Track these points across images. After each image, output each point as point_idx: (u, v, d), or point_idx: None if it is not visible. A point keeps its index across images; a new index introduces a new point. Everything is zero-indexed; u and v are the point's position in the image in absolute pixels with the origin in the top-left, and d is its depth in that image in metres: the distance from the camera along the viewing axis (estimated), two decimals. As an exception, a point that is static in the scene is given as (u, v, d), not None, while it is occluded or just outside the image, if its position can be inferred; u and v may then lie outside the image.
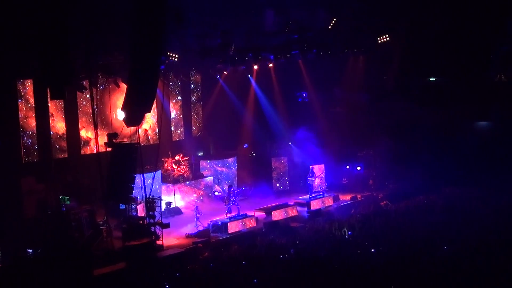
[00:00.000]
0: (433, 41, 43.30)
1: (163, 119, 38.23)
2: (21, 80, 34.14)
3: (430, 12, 42.58)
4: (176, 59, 36.77)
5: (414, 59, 44.35)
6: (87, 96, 36.40)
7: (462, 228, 32.34)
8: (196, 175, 41.18)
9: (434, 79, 46.21)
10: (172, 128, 42.67)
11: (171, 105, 42.51)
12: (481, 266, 26.55)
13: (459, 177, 40.81)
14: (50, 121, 35.48)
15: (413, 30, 43.49)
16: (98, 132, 35.19)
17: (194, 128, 44.28)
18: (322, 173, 41.38)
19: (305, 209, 38.26)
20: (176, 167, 39.89)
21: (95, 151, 35.12)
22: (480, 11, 41.46)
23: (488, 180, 39.95)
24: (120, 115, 33.40)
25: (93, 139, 36.41)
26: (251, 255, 30.16)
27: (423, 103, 44.81)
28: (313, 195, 39.55)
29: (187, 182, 40.09)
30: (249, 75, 44.70)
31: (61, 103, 35.78)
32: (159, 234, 31.25)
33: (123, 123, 30.35)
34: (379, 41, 42.71)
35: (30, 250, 29.34)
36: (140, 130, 36.21)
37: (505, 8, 41.65)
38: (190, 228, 34.26)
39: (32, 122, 34.57)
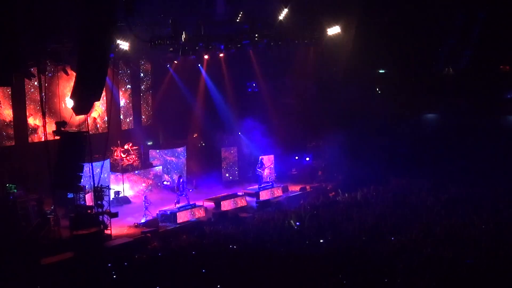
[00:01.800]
0: (382, 33, 43.48)
1: (112, 107, 38.08)
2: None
3: (379, 4, 42.81)
4: (126, 48, 36.48)
5: (363, 51, 44.47)
6: (35, 83, 35.96)
7: (409, 219, 32.64)
8: (145, 164, 41.00)
9: (383, 71, 46.48)
10: (121, 117, 42.39)
11: (121, 93, 42.22)
12: (428, 256, 26.81)
13: (408, 169, 41.14)
14: (-3, 108, 35.08)
15: (362, 22, 43.64)
16: (46, 120, 34.84)
17: (143, 117, 44.06)
18: (271, 164, 41.52)
19: (254, 199, 38.34)
20: (125, 156, 39.65)
21: (43, 139, 34.75)
22: (429, 4, 41.78)
23: (436, 172, 40.34)
24: (69, 103, 33.11)
25: (41, 127, 36.03)
26: (199, 245, 30.13)
27: (372, 95, 45.09)
28: (262, 185, 39.66)
29: (136, 171, 39.91)
30: (199, 65, 44.55)
31: (8, 90, 35.33)
32: (107, 223, 31.09)
33: (72, 111, 30.03)
34: (329, 32, 42.78)
35: (-24, 239, 28.98)
36: (89, 119, 35.96)
37: (454, 1, 42.04)
38: (138, 218, 34.08)
39: (-21, 109, 34.14)
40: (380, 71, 46.70)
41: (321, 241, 29.85)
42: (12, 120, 35.90)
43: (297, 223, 33.22)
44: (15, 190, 32.20)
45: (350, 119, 44.30)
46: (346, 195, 38.84)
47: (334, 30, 41.84)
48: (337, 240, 29.87)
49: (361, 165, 40.96)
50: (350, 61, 44.87)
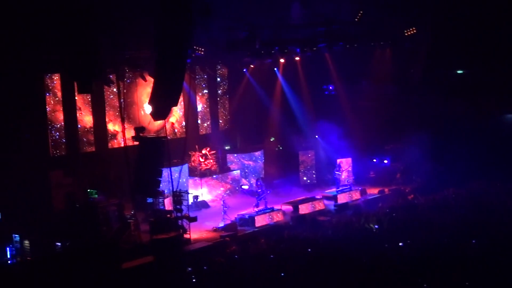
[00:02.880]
0: (461, 32, 42.90)
1: (190, 112, 38.34)
2: (49, 74, 34.37)
3: (457, 3, 42.24)
4: (202, 53, 36.76)
5: (441, 51, 43.96)
6: (114, 89, 36.50)
7: (490, 222, 32.06)
8: (223, 168, 41.17)
9: (461, 71, 45.82)
10: (199, 122, 42.69)
11: (198, 98, 42.54)
12: (509, 262, 26.31)
13: (488, 171, 40.39)
14: (77, 115, 35.65)
15: (440, 21, 43.15)
16: (125, 125, 35.33)
17: (220, 121, 44.28)
18: (349, 167, 41.34)
19: (332, 202, 38.14)
20: (203, 161, 39.88)
21: (122, 145, 35.25)
22: (509, 1, 41.05)
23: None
24: (147, 108, 33.47)
25: (120, 132, 36.51)
26: (278, 248, 30.08)
27: (451, 95, 44.45)
28: (340, 188, 39.40)
29: (214, 176, 40.09)
30: (275, 68, 44.56)
31: (88, 97, 35.94)
32: (187, 227, 31.25)
33: (150, 116, 30.35)
34: (406, 34, 42.42)
35: (59, 244, 29.42)
36: (167, 124, 36.29)
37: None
38: (217, 222, 34.21)
39: (60, 116, 34.77)
40: (459, 72, 46.01)
41: (401, 244, 29.52)
42: (92, 126, 36.50)
43: (376, 226, 32.96)
44: (96, 195, 32.70)
45: (428, 120, 43.80)
46: (425, 197, 38.34)
47: (410, 31, 41.42)
48: (418, 243, 29.50)
49: (440, 167, 40.45)
50: (428, 62, 44.39)
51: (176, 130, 40.83)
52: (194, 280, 26.69)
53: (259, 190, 35.58)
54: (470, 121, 43.81)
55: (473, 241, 29.28)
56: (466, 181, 40.04)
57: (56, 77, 34.56)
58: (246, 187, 40.62)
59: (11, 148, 32.18)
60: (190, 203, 34.73)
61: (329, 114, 44.26)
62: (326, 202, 37.96)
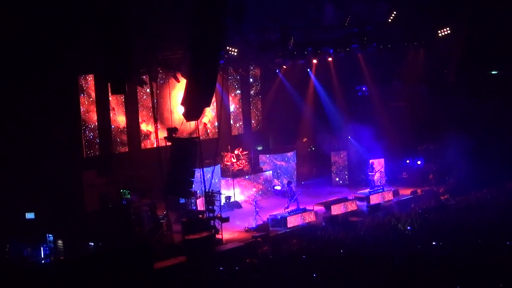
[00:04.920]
0: (495, 32, 42.59)
1: (223, 113, 38.31)
2: (83, 75, 34.56)
3: (491, 2, 41.94)
4: (235, 54, 36.78)
5: (475, 52, 43.66)
6: (147, 90, 36.64)
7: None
8: (255, 169, 41.14)
9: (496, 72, 45.47)
10: (231, 122, 42.72)
11: (230, 99, 42.58)
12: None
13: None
14: (111, 115, 35.83)
15: (474, 22, 42.87)
16: (158, 126, 35.45)
17: (253, 122, 44.28)
18: (381, 168, 41.15)
19: (365, 203, 37.99)
20: (235, 161, 39.89)
21: (155, 145, 35.37)
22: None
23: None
24: (180, 109, 33.56)
25: (153, 133, 36.65)
26: (310, 249, 30.04)
27: (485, 96, 44.11)
28: (373, 189, 39.26)
29: (247, 176, 40.06)
30: (308, 69, 44.49)
31: (121, 97, 36.09)
32: (219, 228, 31.31)
33: (183, 117, 30.44)
34: (440, 34, 42.19)
35: (92, 244, 29.60)
36: (199, 125, 36.33)
37: None
38: (249, 222, 34.23)
39: (94, 116, 34.98)
40: (493, 72, 45.66)
41: (434, 243, 29.34)
42: (125, 126, 36.67)
43: (409, 228, 32.80)
44: (129, 196, 32.79)
45: (462, 121, 43.53)
46: (459, 199, 38.12)
47: (444, 31, 41.17)
48: (450, 245, 29.32)
49: (474, 168, 40.14)
50: (462, 62, 44.11)
51: (208, 131, 40.90)
52: (226, 281, 26.71)
53: (291, 193, 35.58)
54: (504, 122, 43.47)
55: (508, 242, 29.07)
56: (500, 182, 39.78)
57: (90, 78, 34.76)
58: (278, 187, 40.58)
59: (46, 149, 32.43)
60: (222, 203, 34.78)
61: (362, 115, 44.18)
62: (358, 202, 37.80)
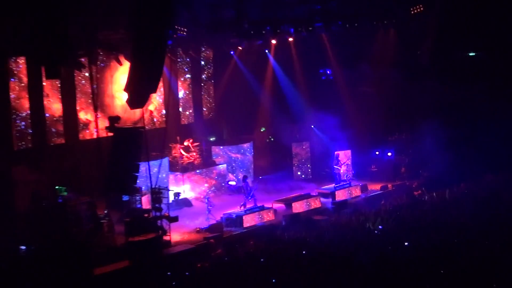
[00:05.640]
0: (473, 10, 42.90)
1: (170, 99, 38.34)
2: (14, 58, 34.19)
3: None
4: (184, 33, 36.76)
5: (451, 32, 43.98)
6: (86, 74, 36.40)
7: (507, 222, 32.16)
8: (207, 162, 41.20)
9: (474, 53, 45.88)
10: (180, 110, 42.65)
11: (179, 84, 42.49)
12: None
13: (503, 164, 40.51)
14: (45, 102, 35.53)
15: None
16: (98, 114, 35.31)
17: (205, 109, 44.27)
18: (348, 160, 41.38)
19: (330, 200, 38.27)
20: (185, 154, 39.90)
21: (95, 136, 35.22)
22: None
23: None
24: (123, 96, 33.46)
25: (93, 122, 36.49)
26: (269, 251, 30.13)
27: (462, 81, 44.45)
28: (338, 184, 39.49)
29: (198, 171, 40.10)
30: (266, 51, 44.59)
31: (57, 83, 35.79)
32: (166, 228, 31.27)
33: (126, 104, 30.35)
34: (412, 12, 42.49)
35: (23, 247, 29.41)
36: (145, 113, 36.26)
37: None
38: (201, 222, 34.32)
39: (26, 104, 34.60)
40: (471, 54, 46.06)
41: (406, 244, 29.59)
42: (61, 115, 36.37)
43: (380, 227, 33.05)
44: (66, 193, 32.60)
45: (436, 108, 43.86)
46: (434, 194, 38.46)
47: (417, 9, 41.48)
48: (424, 244, 29.57)
49: (450, 160, 40.47)
50: (436, 43, 44.42)
51: (155, 120, 40.81)
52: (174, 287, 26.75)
53: (247, 189, 35.67)
54: (483, 108, 43.83)
55: (486, 242, 29.39)
56: (479, 175, 40.17)
57: (22, 61, 34.42)
58: (233, 183, 40.71)
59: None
60: (170, 201, 34.73)
61: (326, 101, 44.39)
62: (322, 199, 38.07)
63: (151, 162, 33.03)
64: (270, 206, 35.93)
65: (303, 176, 43.69)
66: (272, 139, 45.53)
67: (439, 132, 40.95)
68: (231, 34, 39.95)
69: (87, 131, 37.48)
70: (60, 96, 36.28)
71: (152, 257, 29.23)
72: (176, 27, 35.92)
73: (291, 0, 40.70)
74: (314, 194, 38.46)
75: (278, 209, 36.28)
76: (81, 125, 37.36)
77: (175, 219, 31.59)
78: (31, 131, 34.82)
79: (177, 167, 39.55)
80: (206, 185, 40.19)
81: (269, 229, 34.00)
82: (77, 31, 31.95)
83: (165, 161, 37.44)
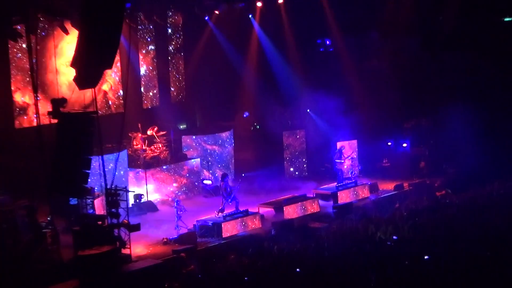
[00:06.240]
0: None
1: (130, 77, 38.23)
2: None
3: None
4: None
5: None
6: (23, 46, 36.37)
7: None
8: (176, 156, 41.27)
9: (510, 19, 46.00)
10: (142, 90, 42.63)
11: (141, 57, 42.50)
12: None
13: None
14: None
15: None
16: (39, 96, 35.23)
17: (173, 90, 44.31)
18: (353, 153, 41.52)
19: (330, 203, 38.35)
20: (148, 146, 39.90)
21: (35, 124, 35.18)
22: None
23: None
24: (70, 72, 33.42)
25: (32, 106, 36.45)
26: (255, 268, 30.22)
27: (495, 52, 44.54)
28: (341, 183, 39.58)
29: (164, 167, 40.21)
30: (250, 16, 44.61)
31: (-13, 56, 35.86)
32: (126, 239, 31.29)
33: (74, 83, 30.31)
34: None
35: None
36: (97, 94, 36.23)
37: None
38: (168, 231, 34.33)
39: None
40: (507, 19, 46.15)
41: (426, 257, 29.70)
42: (-8, 97, 36.44)
43: (394, 237, 33.14)
44: (-2, 196, 32.69)
45: (466, 88, 43.92)
46: (460, 195, 38.58)
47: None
48: (449, 259, 29.70)
49: (483, 152, 40.57)
50: (464, 6, 44.51)
51: (110, 103, 40.81)
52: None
53: (227, 190, 35.70)
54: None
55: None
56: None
57: None
58: (209, 182, 40.78)
59: None
60: (130, 205, 34.83)
61: (326, 79, 44.40)
62: (321, 202, 38.18)
63: (106, 156, 33.03)
64: (256, 210, 36.02)
65: (296, 173, 43.88)
66: (258, 127, 45.61)
67: (468, 117, 41.08)
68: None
69: (25, 117, 37.44)
70: (-9, 74, 36.33)
71: (107, 275, 29.23)
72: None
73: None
74: (311, 195, 38.53)
75: (265, 215, 36.38)
76: (17, 109, 37.29)
77: (136, 227, 31.53)
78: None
79: (138, 162, 39.64)
80: (175, 184, 40.35)
81: (255, 239, 34.06)
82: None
83: (123, 154, 37.51)
